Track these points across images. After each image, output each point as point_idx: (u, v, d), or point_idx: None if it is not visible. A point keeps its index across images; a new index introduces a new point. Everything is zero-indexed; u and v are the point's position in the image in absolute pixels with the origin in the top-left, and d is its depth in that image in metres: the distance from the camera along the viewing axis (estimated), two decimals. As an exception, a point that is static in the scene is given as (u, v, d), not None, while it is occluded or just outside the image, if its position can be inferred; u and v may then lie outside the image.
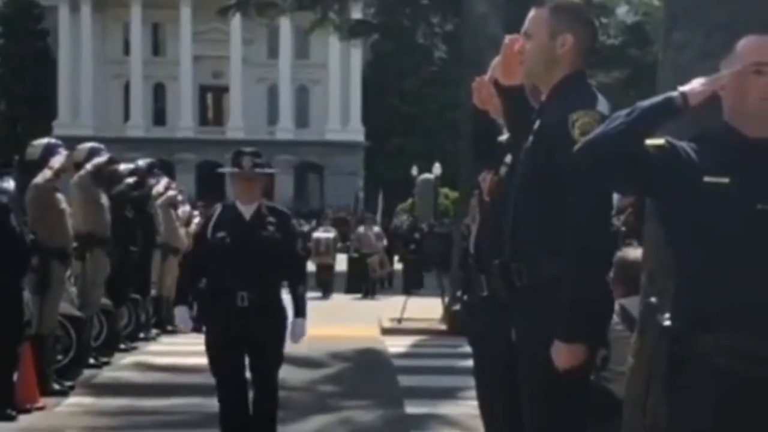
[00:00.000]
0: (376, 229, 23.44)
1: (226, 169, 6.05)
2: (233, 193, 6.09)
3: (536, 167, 3.39)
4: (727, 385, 2.73)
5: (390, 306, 17.19)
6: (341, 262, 23.00)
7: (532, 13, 3.52)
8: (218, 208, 6.15)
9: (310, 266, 22.46)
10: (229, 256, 5.78)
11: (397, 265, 25.55)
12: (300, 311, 6.08)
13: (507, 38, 3.66)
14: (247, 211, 5.91)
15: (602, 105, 3.35)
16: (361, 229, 23.50)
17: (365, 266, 22.03)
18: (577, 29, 3.46)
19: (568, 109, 3.28)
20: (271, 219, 5.92)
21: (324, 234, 22.92)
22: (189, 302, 6.17)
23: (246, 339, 5.83)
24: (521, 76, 3.60)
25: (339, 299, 20.75)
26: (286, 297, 6.12)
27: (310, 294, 20.73)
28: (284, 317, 5.99)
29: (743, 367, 2.72)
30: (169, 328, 12.71)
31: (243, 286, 5.76)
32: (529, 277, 3.38)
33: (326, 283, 21.66)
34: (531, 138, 3.44)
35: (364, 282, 21.92)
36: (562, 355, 3.21)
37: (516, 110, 3.68)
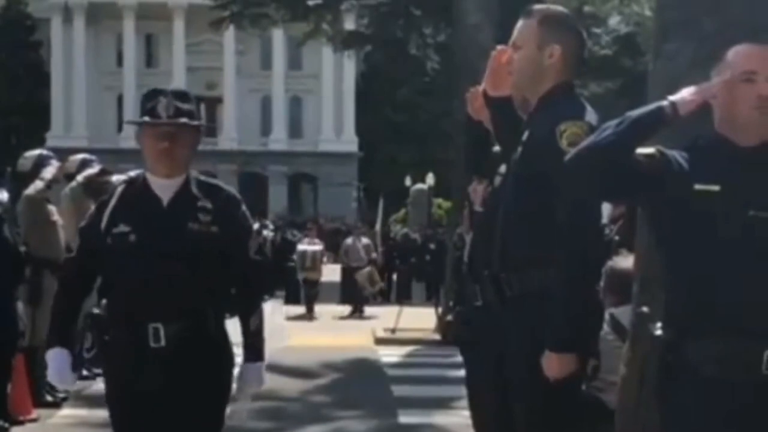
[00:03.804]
0: (365, 240, 21.28)
1: (134, 120, 3.90)
2: (146, 160, 3.80)
3: (525, 178, 3.40)
4: (719, 394, 2.74)
5: (384, 316, 17.19)
6: (335, 273, 22.76)
7: (520, 23, 3.54)
8: (120, 185, 3.86)
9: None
10: (135, 264, 3.62)
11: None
12: (254, 352, 3.82)
13: (495, 49, 3.68)
14: (165, 190, 3.71)
15: (590, 115, 3.36)
16: (349, 240, 21.44)
17: (355, 279, 19.68)
18: (565, 40, 3.47)
19: (556, 119, 3.30)
20: (204, 204, 3.70)
21: (310, 246, 20.43)
22: (68, 340, 3.88)
23: (161, 404, 3.66)
24: (509, 88, 3.61)
25: (326, 315, 19.33)
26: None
27: (295, 310, 20.30)
28: (230, 367, 3.82)
29: (734, 374, 2.73)
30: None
31: (157, 314, 3.60)
32: (519, 288, 3.39)
33: (309, 300, 19.64)
34: (519, 149, 3.45)
35: (353, 296, 19.99)
36: (553, 364, 3.22)
37: (504, 121, 3.70)
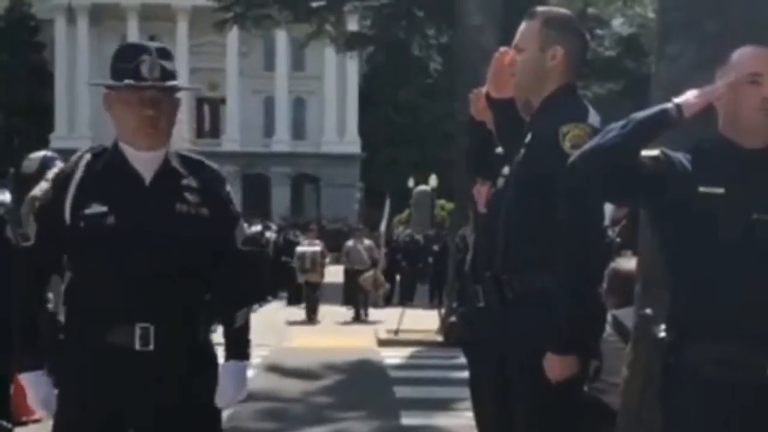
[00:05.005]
0: (367, 242, 20.45)
1: (111, 83, 3.11)
2: (120, 129, 3.15)
3: (527, 179, 3.40)
4: (719, 395, 2.74)
5: (386, 318, 17.20)
6: (338, 275, 22.65)
7: (523, 25, 3.54)
8: (84, 156, 3.16)
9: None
10: (118, 252, 3.00)
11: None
12: (238, 349, 3.22)
13: (498, 51, 3.69)
14: (145, 165, 3.11)
15: (593, 117, 3.36)
16: (351, 242, 20.65)
17: (357, 283, 18.82)
18: (567, 42, 3.47)
19: (559, 121, 3.30)
20: (189, 182, 3.14)
21: (309, 248, 19.85)
22: (41, 356, 3.18)
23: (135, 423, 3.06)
24: (512, 89, 3.62)
25: (328, 318, 19.03)
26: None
27: (297, 312, 20.18)
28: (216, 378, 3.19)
29: (734, 376, 2.73)
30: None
31: (144, 313, 3.00)
32: (520, 289, 3.39)
33: (311, 305, 19.11)
34: (522, 150, 3.45)
35: (355, 300, 19.52)
36: (555, 366, 3.21)
37: (507, 123, 3.70)
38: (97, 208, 3.03)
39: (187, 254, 3.07)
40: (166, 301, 3.03)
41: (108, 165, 3.11)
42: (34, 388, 3.14)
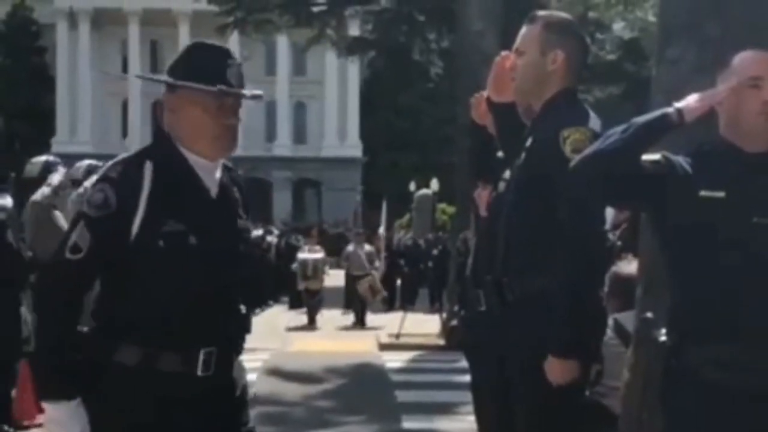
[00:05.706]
0: (368, 247, 20.14)
1: (204, 87, 2.80)
2: (189, 135, 2.84)
3: (528, 183, 3.41)
4: (719, 398, 2.74)
5: (388, 322, 17.19)
6: (340, 278, 22.55)
7: (523, 29, 3.55)
8: (146, 165, 2.79)
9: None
10: (194, 274, 2.77)
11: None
12: None
13: (499, 55, 3.69)
14: (210, 175, 2.89)
15: (593, 122, 3.37)
16: (351, 247, 20.14)
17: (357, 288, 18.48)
18: (568, 45, 3.48)
19: (559, 125, 3.30)
20: (234, 192, 2.98)
21: (311, 255, 19.24)
22: (78, 386, 2.75)
23: None
24: (512, 93, 3.62)
25: (329, 323, 18.81)
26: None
27: (298, 317, 20.10)
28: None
29: (734, 378, 2.74)
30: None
31: (209, 337, 2.80)
32: (520, 291, 3.40)
33: (311, 311, 18.77)
34: (523, 154, 3.46)
35: (354, 305, 19.04)
36: (556, 370, 3.22)
37: (507, 127, 3.70)
38: (174, 226, 2.75)
39: (242, 271, 2.93)
40: (227, 322, 2.86)
41: (176, 176, 2.82)
42: (70, 422, 2.74)
